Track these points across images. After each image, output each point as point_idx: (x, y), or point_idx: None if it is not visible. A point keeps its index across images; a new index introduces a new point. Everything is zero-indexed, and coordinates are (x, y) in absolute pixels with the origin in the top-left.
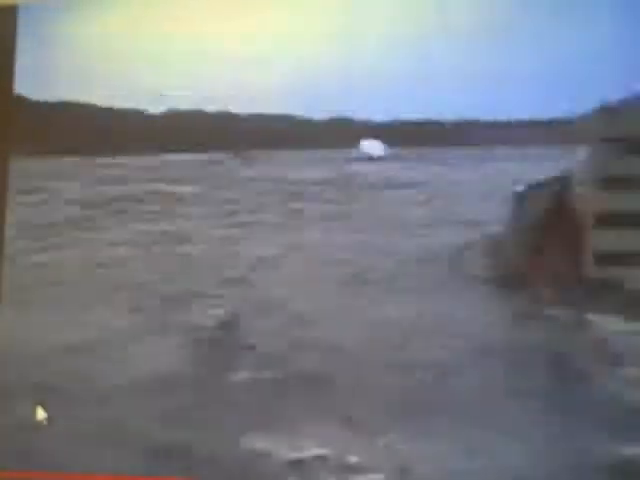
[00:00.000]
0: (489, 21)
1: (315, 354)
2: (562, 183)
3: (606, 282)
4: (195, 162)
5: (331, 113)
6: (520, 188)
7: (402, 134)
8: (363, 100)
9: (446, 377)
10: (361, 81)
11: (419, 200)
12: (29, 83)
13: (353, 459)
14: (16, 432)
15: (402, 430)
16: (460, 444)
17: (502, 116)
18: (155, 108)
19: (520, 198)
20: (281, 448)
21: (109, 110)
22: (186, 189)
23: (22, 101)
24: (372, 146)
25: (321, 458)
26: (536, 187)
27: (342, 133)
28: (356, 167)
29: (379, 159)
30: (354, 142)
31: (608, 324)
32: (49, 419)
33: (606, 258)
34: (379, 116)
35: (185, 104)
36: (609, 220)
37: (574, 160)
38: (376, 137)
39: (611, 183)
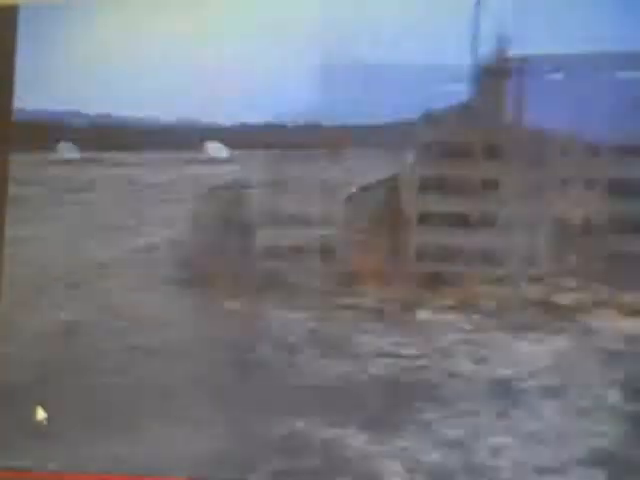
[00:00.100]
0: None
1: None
2: (389, 185)
3: (431, 277)
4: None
5: (177, 115)
6: (354, 189)
7: (247, 137)
8: (209, 103)
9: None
10: (208, 84)
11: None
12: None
13: None
14: None
15: None
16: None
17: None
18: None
19: (354, 198)
20: None
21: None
22: (29, 191)
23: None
24: (215, 148)
25: None
26: (368, 188)
27: (187, 135)
28: (198, 169)
29: (223, 161)
30: (199, 144)
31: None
32: None
33: (429, 255)
34: (224, 119)
35: None
36: (429, 219)
37: (401, 163)
38: (221, 140)
39: (432, 185)
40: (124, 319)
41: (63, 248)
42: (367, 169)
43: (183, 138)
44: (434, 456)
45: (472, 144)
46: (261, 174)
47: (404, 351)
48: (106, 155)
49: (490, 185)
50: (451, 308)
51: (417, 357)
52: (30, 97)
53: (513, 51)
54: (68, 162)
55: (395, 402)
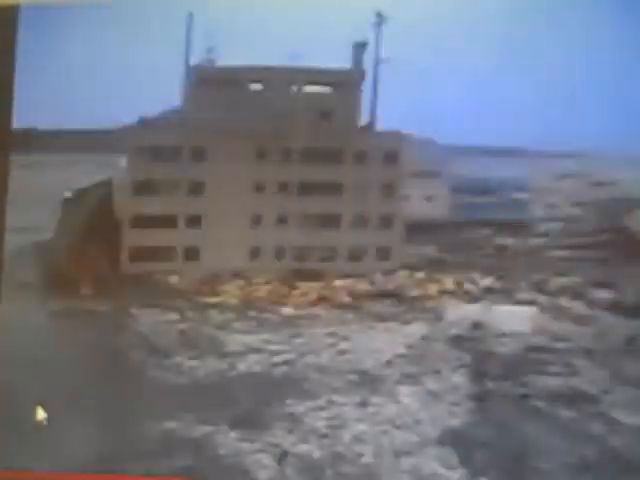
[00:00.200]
0: None
1: None
2: (104, 188)
3: (140, 277)
4: None
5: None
6: (68, 194)
7: None
8: None
9: None
10: None
11: None
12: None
13: None
14: None
15: None
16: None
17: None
18: None
19: (69, 203)
20: None
21: None
22: None
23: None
24: None
25: None
26: (83, 192)
27: None
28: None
29: None
30: None
31: (148, 316)
32: None
33: (140, 255)
34: None
35: None
36: (142, 221)
37: (117, 167)
38: None
39: (143, 187)
40: None
41: None
42: (82, 174)
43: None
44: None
45: (182, 148)
46: None
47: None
48: None
49: (197, 187)
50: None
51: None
52: None
53: (223, 61)
54: None
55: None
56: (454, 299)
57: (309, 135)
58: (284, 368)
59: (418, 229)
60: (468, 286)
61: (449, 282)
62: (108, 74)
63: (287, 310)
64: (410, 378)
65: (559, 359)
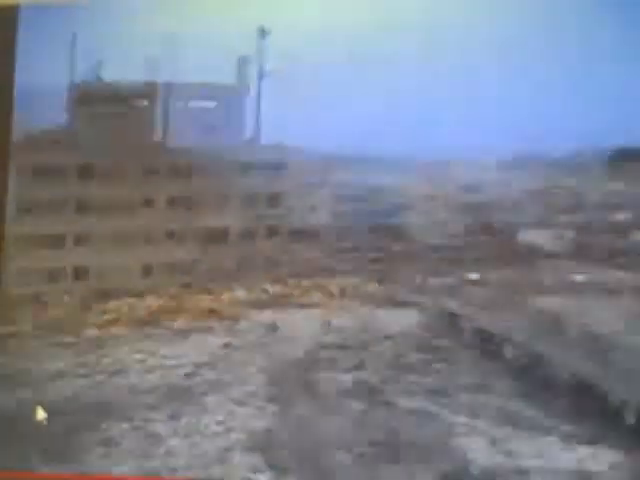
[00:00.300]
0: None
1: None
2: None
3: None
4: None
5: None
6: None
7: None
8: None
9: None
10: None
11: None
12: None
13: None
14: None
15: None
16: None
17: None
18: None
19: None
20: None
21: None
22: None
23: None
24: None
25: None
26: None
27: None
28: None
29: None
30: None
31: None
32: None
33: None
34: None
35: None
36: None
37: None
38: None
39: (28, 207)
40: None
41: None
42: None
43: None
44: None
45: (68, 165)
46: None
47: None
48: None
49: (84, 205)
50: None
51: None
52: None
53: (109, 77)
54: None
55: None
56: (342, 304)
57: (196, 150)
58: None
59: (303, 238)
60: (354, 291)
61: (334, 288)
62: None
63: (178, 324)
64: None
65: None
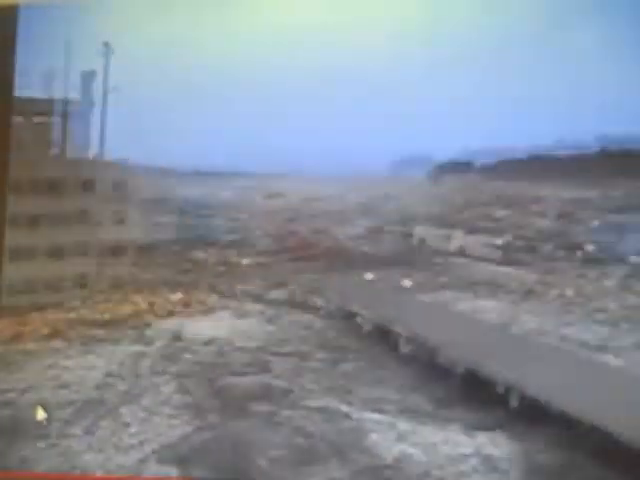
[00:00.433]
0: None
1: None
2: None
3: None
4: None
5: None
6: None
7: None
8: None
9: None
10: None
11: None
12: None
13: None
14: None
15: None
16: None
17: None
18: None
19: None
20: None
21: None
22: None
23: None
24: None
25: None
26: None
27: None
28: None
29: None
30: None
31: None
32: None
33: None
34: None
35: None
36: None
37: None
38: None
39: None
40: None
41: None
42: None
43: None
44: None
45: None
46: None
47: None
48: None
49: None
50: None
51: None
52: None
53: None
54: None
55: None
56: (151, 315)
57: (37, 166)
58: (8, 409)
59: (115, 252)
60: (162, 302)
61: (143, 301)
62: None
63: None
64: (129, 397)
65: (253, 358)
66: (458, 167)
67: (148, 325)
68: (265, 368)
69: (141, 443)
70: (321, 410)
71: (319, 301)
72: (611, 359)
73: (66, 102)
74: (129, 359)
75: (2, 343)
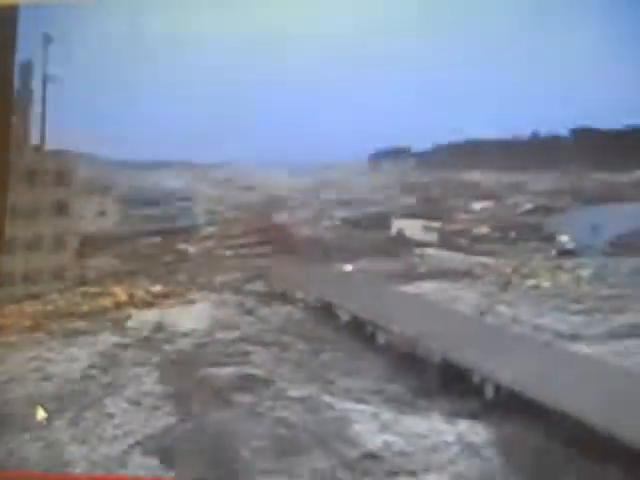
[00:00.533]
0: None
1: None
2: None
3: None
4: None
5: None
6: None
7: None
8: None
9: None
10: None
11: None
12: None
13: None
14: None
15: None
16: None
17: None
18: None
19: None
20: None
21: None
22: None
23: None
24: None
25: None
26: None
27: None
28: None
29: None
30: None
31: None
32: None
33: None
34: None
35: None
36: None
37: None
38: None
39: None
40: None
41: None
42: None
43: None
44: None
45: None
46: None
47: None
48: None
49: None
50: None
51: None
52: None
53: None
54: None
55: None
56: (132, 307)
57: None
58: None
59: (92, 244)
60: (142, 294)
61: (123, 293)
62: None
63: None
64: (111, 387)
65: (233, 348)
66: (396, 153)
67: (128, 317)
68: (246, 359)
69: (125, 434)
70: (302, 400)
71: (298, 293)
72: (583, 348)
73: None
74: (110, 350)
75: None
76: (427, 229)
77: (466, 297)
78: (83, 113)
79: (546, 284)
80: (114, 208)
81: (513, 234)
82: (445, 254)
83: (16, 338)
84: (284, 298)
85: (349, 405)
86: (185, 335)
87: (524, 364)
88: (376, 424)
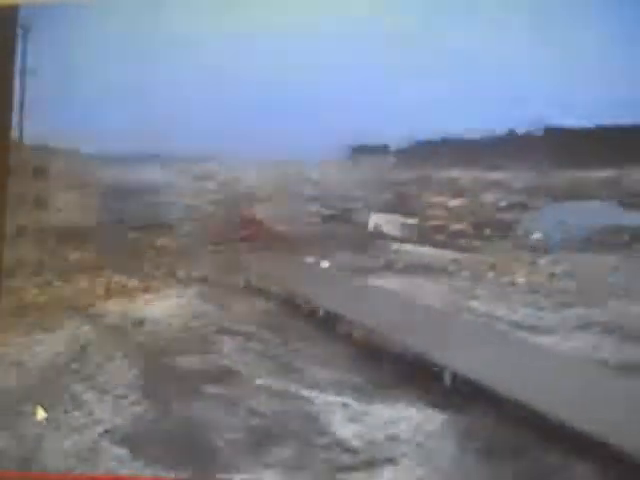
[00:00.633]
0: None
1: None
2: None
3: None
4: None
5: None
6: None
7: None
8: None
9: None
10: None
11: None
12: None
13: None
14: None
15: None
16: None
17: None
18: None
19: None
20: None
21: None
22: None
23: None
24: None
25: None
26: None
27: None
28: None
29: None
30: None
31: None
32: None
33: None
34: None
35: None
36: None
37: None
38: None
39: None
40: None
41: None
42: None
43: None
44: None
45: None
46: None
47: None
48: None
49: None
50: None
51: None
52: None
53: None
54: None
55: None
56: (108, 301)
57: None
58: None
59: (71, 238)
60: (118, 287)
61: (99, 287)
62: None
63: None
64: (86, 378)
65: (204, 339)
66: (374, 150)
67: (104, 309)
68: (218, 349)
69: (97, 423)
70: (270, 391)
71: (274, 287)
72: (554, 342)
73: None
74: (81, 341)
75: None
76: (404, 225)
77: (440, 292)
78: (64, 108)
79: (521, 280)
80: (93, 202)
81: (488, 231)
82: (421, 250)
83: None
84: (260, 292)
85: (318, 395)
86: (155, 325)
87: (480, 354)
88: (346, 415)
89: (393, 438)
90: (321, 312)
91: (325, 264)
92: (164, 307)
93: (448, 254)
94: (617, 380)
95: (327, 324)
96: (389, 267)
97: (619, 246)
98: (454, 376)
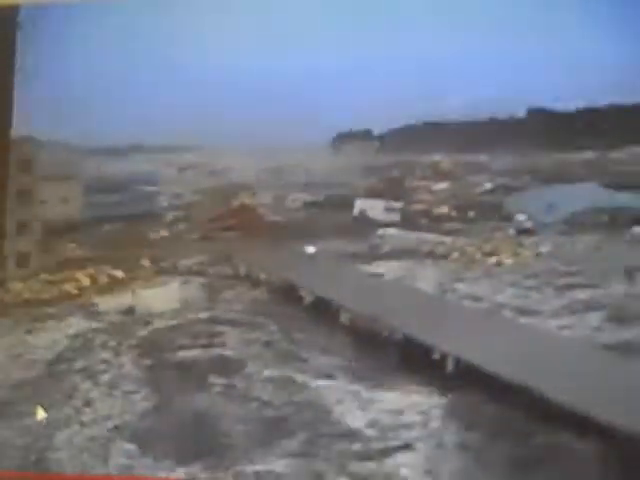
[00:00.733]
0: None
1: None
2: None
3: None
4: None
5: None
6: None
7: None
8: None
9: None
10: None
11: None
12: None
13: None
14: None
15: None
16: None
17: None
18: None
19: None
20: None
21: None
22: None
23: None
24: None
25: None
26: None
27: None
28: None
29: None
30: None
31: None
32: None
33: None
34: None
35: None
36: None
37: None
38: None
39: None
40: None
41: None
42: None
43: None
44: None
45: None
46: None
47: None
48: None
49: None
50: None
51: None
52: None
53: None
54: None
55: None
56: (95, 293)
57: None
58: None
59: (55, 231)
60: (105, 279)
61: (85, 278)
62: None
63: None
64: (84, 373)
65: (203, 330)
66: (358, 136)
67: (92, 302)
68: (218, 341)
69: (104, 418)
70: (269, 378)
71: (262, 275)
72: (542, 323)
73: None
74: (82, 335)
75: None
76: (389, 210)
77: (428, 276)
78: (52, 101)
79: (508, 261)
80: (78, 194)
81: (473, 213)
82: (407, 234)
83: None
84: (249, 280)
85: (322, 383)
86: (157, 316)
87: (483, 339)
88: (354, 403)
89: (392, 424)
90: (311, 298)
91: (311, 249)
92: (152, 296)
93: (433, 237)
94: (608, 358)
95: (319, 310)
96: (377, 252)
97: (601, 226)
98: (456, 362)
